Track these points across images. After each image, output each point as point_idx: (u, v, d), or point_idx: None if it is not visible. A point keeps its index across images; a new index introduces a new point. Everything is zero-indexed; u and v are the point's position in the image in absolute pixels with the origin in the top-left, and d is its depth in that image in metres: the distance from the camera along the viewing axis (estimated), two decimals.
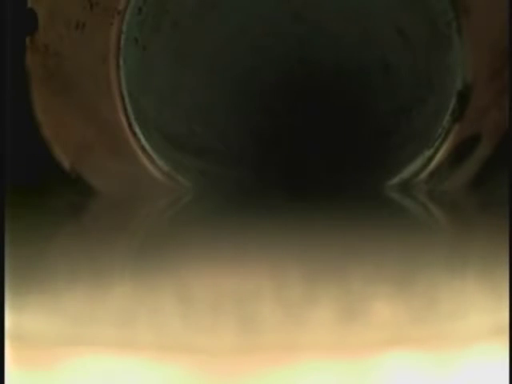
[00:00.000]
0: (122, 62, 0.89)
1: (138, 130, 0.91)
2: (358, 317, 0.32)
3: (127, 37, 0.89)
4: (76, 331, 0.29)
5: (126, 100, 0.90)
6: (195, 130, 1.04)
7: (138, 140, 0.91)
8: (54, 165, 0.83)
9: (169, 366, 0.25)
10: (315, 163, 1.07)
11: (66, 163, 0.84)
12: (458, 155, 0.90)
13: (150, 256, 0.50)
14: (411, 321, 0.31)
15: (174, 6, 0.94)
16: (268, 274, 0.42)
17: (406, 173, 0.95)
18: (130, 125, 0.90)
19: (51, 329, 0.30)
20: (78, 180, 0.85)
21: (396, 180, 0.95)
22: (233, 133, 1.09)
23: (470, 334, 0.29)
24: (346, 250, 0.49)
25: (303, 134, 1.12)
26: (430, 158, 0.92)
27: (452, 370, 0.25)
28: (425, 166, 0.93)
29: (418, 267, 0.44)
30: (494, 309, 0.32)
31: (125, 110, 0.90)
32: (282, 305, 0.34)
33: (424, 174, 0.93)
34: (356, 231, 0.58)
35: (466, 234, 0.60)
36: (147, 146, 0.92)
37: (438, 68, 0.94)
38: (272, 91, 1.11)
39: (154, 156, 0.92)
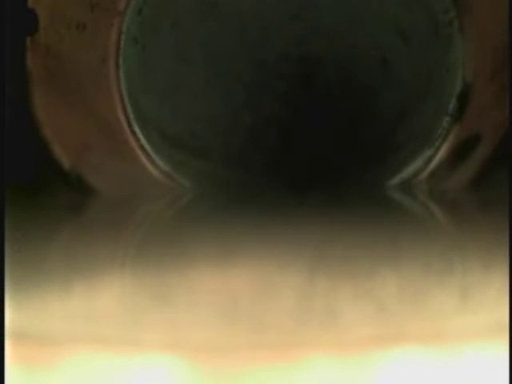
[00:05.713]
0: (121, 62, 0.89)
1: (137, 129, 0.91)
2: (358, 314, 0.32)
3: (127, 37, 0.89)
4: (76, 329, 0.29)
5: (126, 100, 0.90)
6: (195, 130, 1.04)
7: (137, 140, 0.91)
8: (53, 165, 0.83)
9: (171, 364, 0.25)
10: (315, 163, 1.07)
11: (65, 163, 0.84)
12: (458, 155, 0.90)
13: (149, 256, 0.50)
14: (412, 318, 0.31)
15: (174, 5, 0.94)
16: (269, 273, 0.42)
17: (407, 173, 0.94)
18: (129, 125, 0.90)
19: (51, 327, 0.30)
20: (78, 180, 0.85)
21: (396, 180, 0.95)
22: (233, 133, 1.09)
23: (469, 332, 0.29)
24: (346, 250, 0.49)
25: (303, 134, 1.12)
26: (430, 158, 0.92)
27: (452, 366, 0.25)
28: (425, 165, 0.93)
29: (418, 266, 0.44)
30: (494, 307, 0.32)
31: (124, 109, 0.90)
32: (284, 303, 0.34)
33: (424, 174, 0.93)
34: (356, 231, 0.58)
35: (466, 234, 0.60)
36: (147, 146, 0.92)
37: (438, 68, 0.94)
38: (272, 91, 1.11)
39: (154, 156, 0.92)
